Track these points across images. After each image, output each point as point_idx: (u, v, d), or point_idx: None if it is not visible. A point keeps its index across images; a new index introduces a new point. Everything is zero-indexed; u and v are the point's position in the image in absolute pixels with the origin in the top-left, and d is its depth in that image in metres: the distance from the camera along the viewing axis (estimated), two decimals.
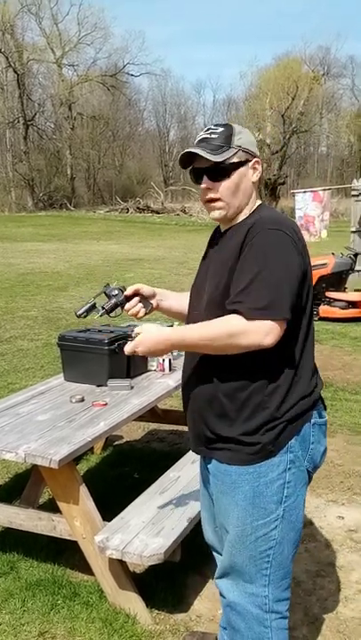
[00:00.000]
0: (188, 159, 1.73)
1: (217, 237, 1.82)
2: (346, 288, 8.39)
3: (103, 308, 1.90)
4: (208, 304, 1.73)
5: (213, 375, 1.71)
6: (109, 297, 1.91)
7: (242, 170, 1.71)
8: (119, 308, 1.89)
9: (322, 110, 41.79)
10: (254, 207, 1.76)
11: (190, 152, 1.69)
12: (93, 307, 1.96)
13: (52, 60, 40.76)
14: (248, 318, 1.56)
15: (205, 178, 1.71)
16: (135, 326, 1.83)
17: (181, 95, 55.42)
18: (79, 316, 2.00)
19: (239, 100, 46.30)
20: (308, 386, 1.73)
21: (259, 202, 1.79)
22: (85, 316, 2.00)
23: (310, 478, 1.80)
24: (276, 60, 41.86)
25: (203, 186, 1.72)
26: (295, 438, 1.70)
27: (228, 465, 1.71)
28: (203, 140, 1.71)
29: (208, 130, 1.73)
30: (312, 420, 1.74)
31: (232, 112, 47.85)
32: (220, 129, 1.72)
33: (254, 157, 1.74)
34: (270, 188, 32.59)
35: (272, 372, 1.66)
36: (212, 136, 1.70)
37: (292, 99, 36.35)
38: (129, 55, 54.75)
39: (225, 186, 1.70)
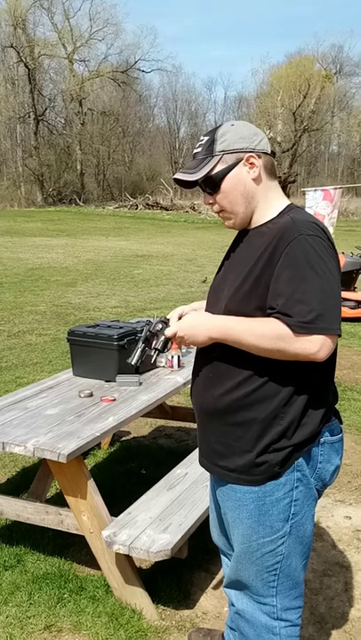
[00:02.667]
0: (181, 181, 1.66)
1: (241, 239, 1.71)
2: (356, 288, 8.36)
3: (154, 348, 1.82)
4: (227, 306, 1.62)
5: (227, 385, 1.63)
6: (155, 334, 1.83)
7: (233, 174, 1.60)
8: (169, 341, 1.81)
9: (333, 109, 41.67)
10: (283, 207, 1.64)
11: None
12: (144, 350, 1.88)
13: (64, 55, 40.85)
14: (296, 333, 1.47)
15: (203, 192, 1.66)
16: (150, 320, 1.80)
17: (192, 92, 55.51)
18: (135, 365, 1.91)
19: (250, 97, 46.31)
20: (322, 407, 1.63)
21: (286, 201, 1.67)
22: (141, 362, 1.91)
23: (320, 494, 1.73)
24: (289, 57, 41.97)
25: (205, 200, 1.68)
26: (303, 457, 1.63)
27: (233, 483, 1.67)
28: (193, 155, 1.66)
29: (198, 142, 1.67)
30: (322, 439, 1.65)
31: (243, 109, 47.87)
32: (205, 138, 1.64)
33: (246, 153, 1.60)
34: (281, 187, 32.64)
35: (293, 387, 1.57)
36: (198, 149, 1.64)
37: (304, 97, 36.30)
38: (140, 51, 55.28)
39: (220, 197, 1.63)
